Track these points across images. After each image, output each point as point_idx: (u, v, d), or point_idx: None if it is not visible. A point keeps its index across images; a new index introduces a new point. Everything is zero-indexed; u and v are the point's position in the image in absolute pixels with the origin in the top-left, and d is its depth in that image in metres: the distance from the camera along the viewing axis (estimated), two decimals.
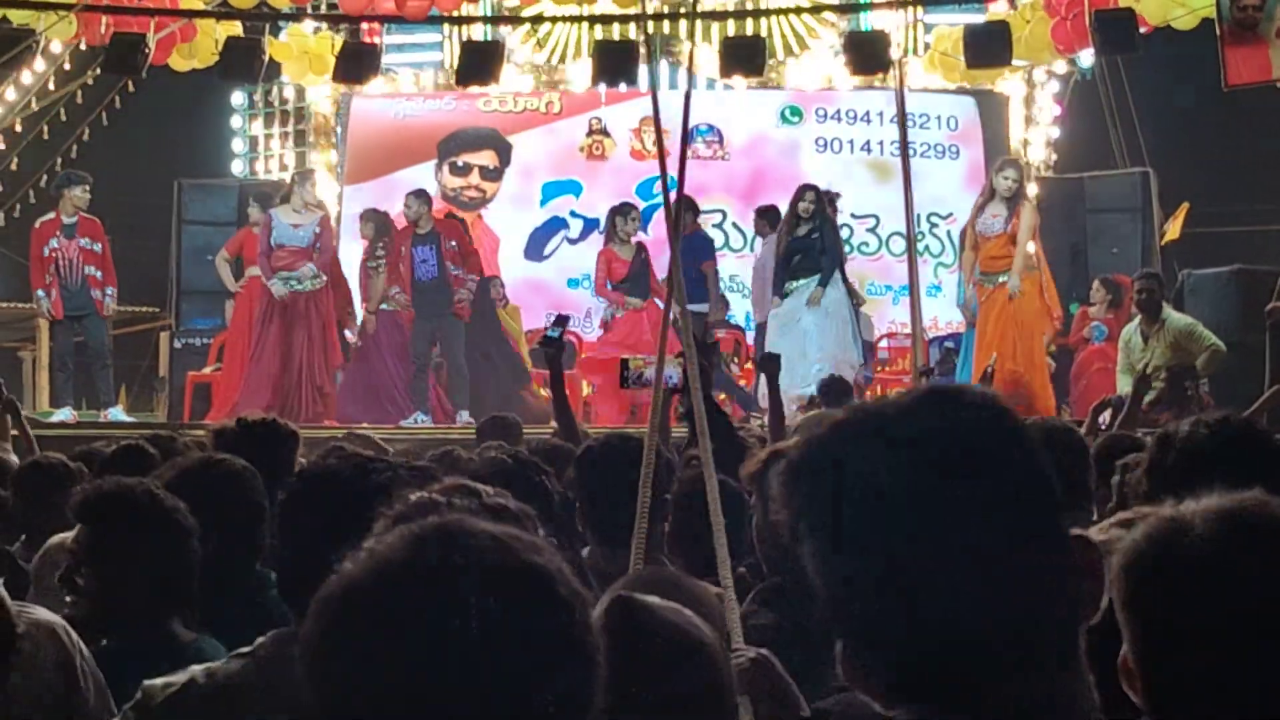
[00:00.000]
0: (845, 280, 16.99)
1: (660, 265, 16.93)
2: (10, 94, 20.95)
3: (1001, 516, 1.77)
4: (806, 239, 16.70)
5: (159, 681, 3.56)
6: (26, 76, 20.68)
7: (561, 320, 9.17)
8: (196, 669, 3.59)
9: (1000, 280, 16.20)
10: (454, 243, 17.33)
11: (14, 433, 9.68)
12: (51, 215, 17.07)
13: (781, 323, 16.62)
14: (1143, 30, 16.75)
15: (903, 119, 7.27)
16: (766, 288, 17.24)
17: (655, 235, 18.85)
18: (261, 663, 3.53)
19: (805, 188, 17.15)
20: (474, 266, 17.52)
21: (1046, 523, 1.81)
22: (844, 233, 18.63)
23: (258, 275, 17.23)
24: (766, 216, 18.06)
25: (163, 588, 4.35)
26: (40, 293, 16.78)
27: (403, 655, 1.75)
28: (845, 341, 16.89)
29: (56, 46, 19.43)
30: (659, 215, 18.73)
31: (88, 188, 17.08)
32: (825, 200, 17.02)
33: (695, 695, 2.76)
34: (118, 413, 17.00)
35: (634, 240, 17.60)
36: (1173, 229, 20.73)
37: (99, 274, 16.93)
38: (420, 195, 17.89)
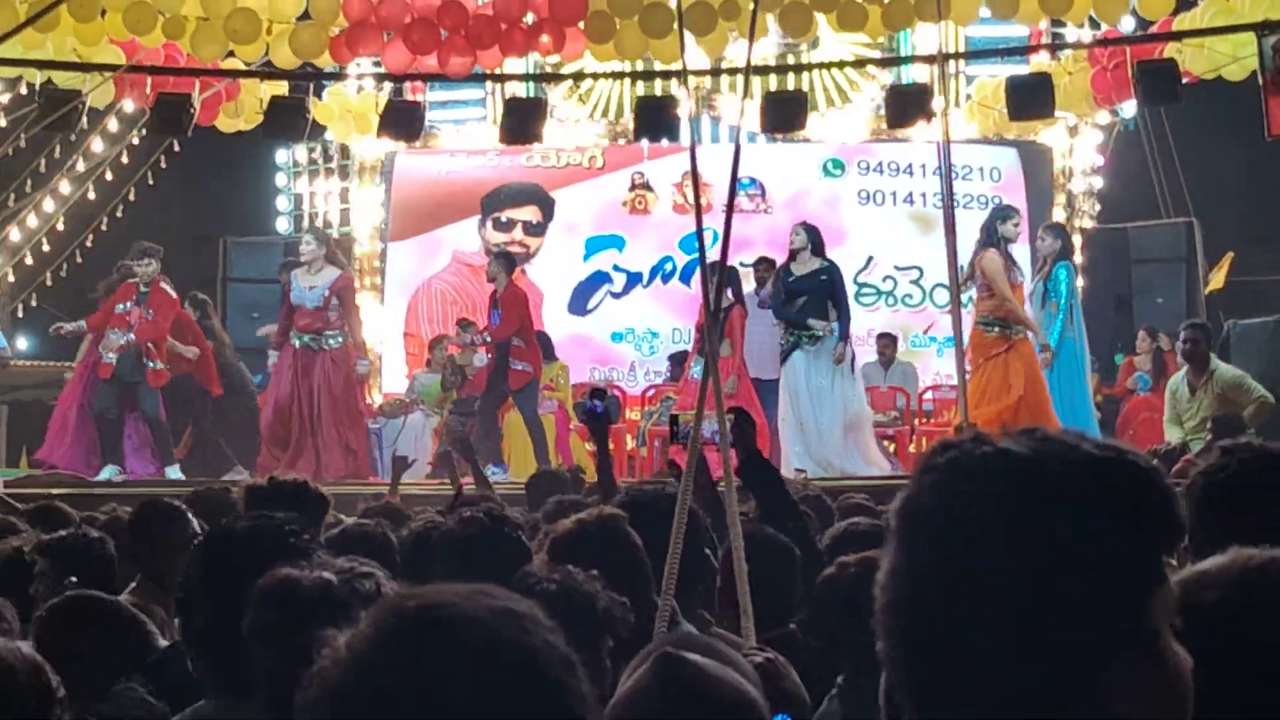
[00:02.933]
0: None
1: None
2: (56, 155, 21.08)
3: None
4: (812, 279, 16.63)
5: None
6: (72, 138, 20.80)
7: (599, 393, 9.09)
8: None
9: (1019, 330, 16.06)
10: (497, 312, 17.49)
11: None
12: (133, 280, 17.28)
13: (791, 388, 16.50)
14: (1185, 81, 16.73)
15: (948, 172, 7.28)
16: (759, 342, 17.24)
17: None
18: None
19: (798, 224, 17.21)
20: (496, 338, 17.56)
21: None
22: (887, 284, 18.61)
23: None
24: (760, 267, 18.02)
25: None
26: (108, 351, 16.92)
27: None
28: (861, 397, 16.93)
29: (102, 107, 19.54)
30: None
31: (151, 260, 17.20)
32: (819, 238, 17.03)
33: None
34: (174, 471, 17.04)
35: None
36: (1217, 278, 20.69)
37: (154, 346, 17.06)
38: (501, 259, 18.03)
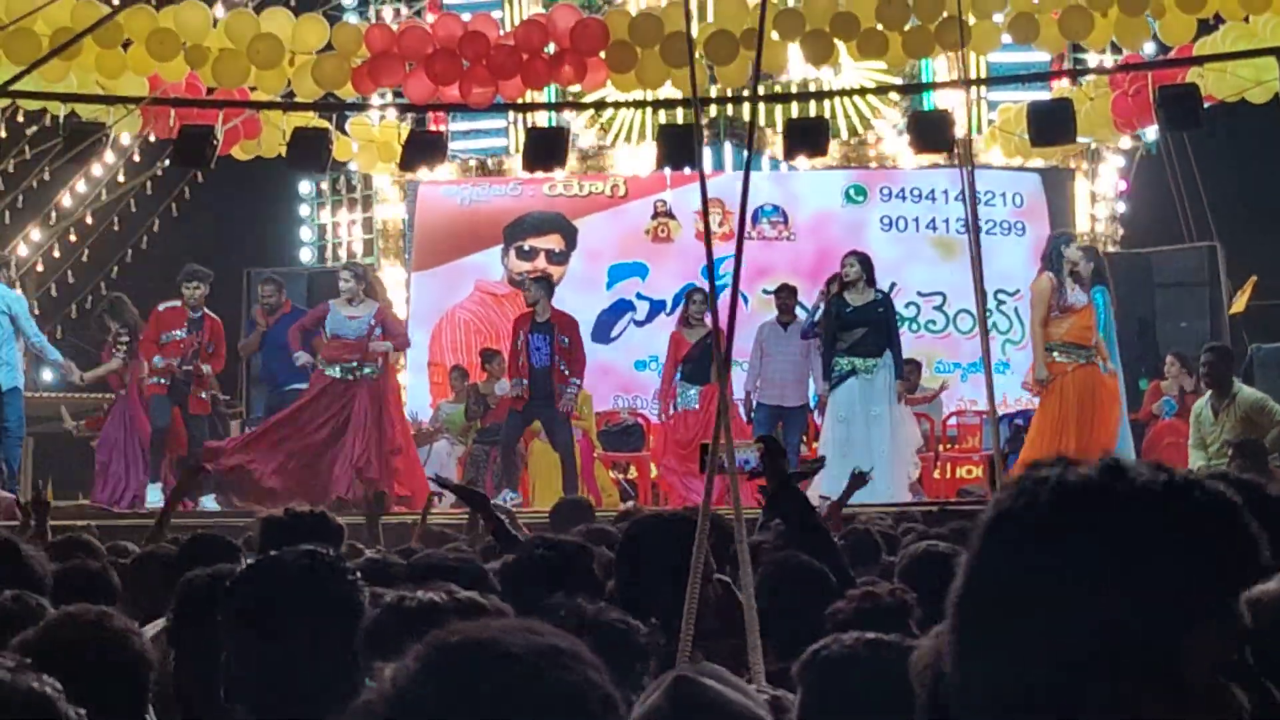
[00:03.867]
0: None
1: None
2: (81, 186, 21.18)
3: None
4: (870, 310, 16.53)
5: None
6: (96, 169, 20.89)
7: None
8: None
9: (1092, 355, 15.97)
10: (566, 339, 17.30)
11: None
12: (177, 303, 17.16)
13: (842, 414, 16.43)
14: (1206, 105, 16.71)
15: (972, 197, 7.28)
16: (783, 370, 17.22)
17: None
18: None
19: (849, 253, 17.06)
20: (577, 369, 17.37)
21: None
22: (910, 311, 18.60)
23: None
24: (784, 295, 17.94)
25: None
26: (151, 368, 16.93)
27: None
28: (913, 429, 16.87)
29: (126, 139, 19.62)
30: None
31: (197, 285, 17.20)
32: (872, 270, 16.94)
33: None
34: (209, 501, 17.00)
35: (707, 321, 17.54)
36: (1240, 302, 20.66)
37: (208, 373, 17.12)
38: (542, 281, 17.97)
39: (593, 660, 1.85)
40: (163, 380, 16.94)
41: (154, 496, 16.69)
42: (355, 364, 16.92)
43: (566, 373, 17.08)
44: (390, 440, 17.20)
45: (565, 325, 17.35)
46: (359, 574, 4.09)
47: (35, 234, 21.12)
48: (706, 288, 18.83)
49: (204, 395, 17.18)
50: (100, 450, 17.35)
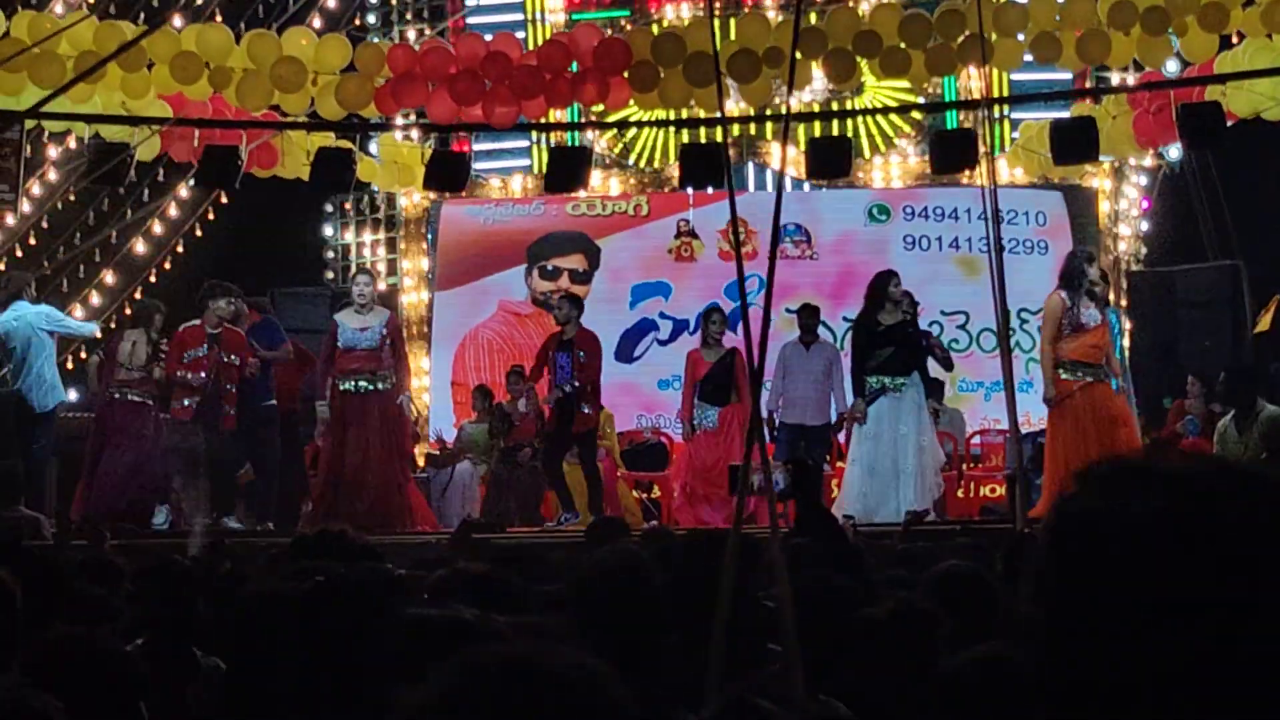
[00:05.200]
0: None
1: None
2: (104, 207, 21.26)
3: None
4: (900, 330, 16.47)
5: None
6: (120, 191, 20.95)
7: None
8: None
9: (1100, 374, 15.98)
10: (582, 353, 17.22)
11: None
12: (196, 322, 17.03)
13: (871, 431, 16.38)
14: (1229, 123, 16.68)
15: (995, 216, 7.29)
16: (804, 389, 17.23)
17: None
18: None
19: (893, 272, 16.95)
20: (583, 377, 17.26)
21: None
22: (933, 329, 18.58)
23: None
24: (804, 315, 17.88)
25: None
26: (184, 399, 16.85)
27: None
28: (936, 447, 16.84)
29: (150, 160, 19.69)
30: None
31: (232, 300, 17.11)
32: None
33: None
34: (232, 521, 16.96)
35: (725, 343, 17.52)
36: (1264, 321, 20.61)
37: (233, 389, 16.99)
38: (572, 300, 17.93)
39: (615, 677, 1.86)
40: (189, 403, 16.87)
41: (158, 520, 16.72)
42: (370, 375, 16.84)
43: (576, 385, 17.03)
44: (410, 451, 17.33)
45: (584, 341, 17.33)
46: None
47: (60, 254, 21.19)
48: (727, 307, 18.90)
49: (233, 412, 17.07)
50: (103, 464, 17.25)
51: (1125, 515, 1.78)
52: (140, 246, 22.19)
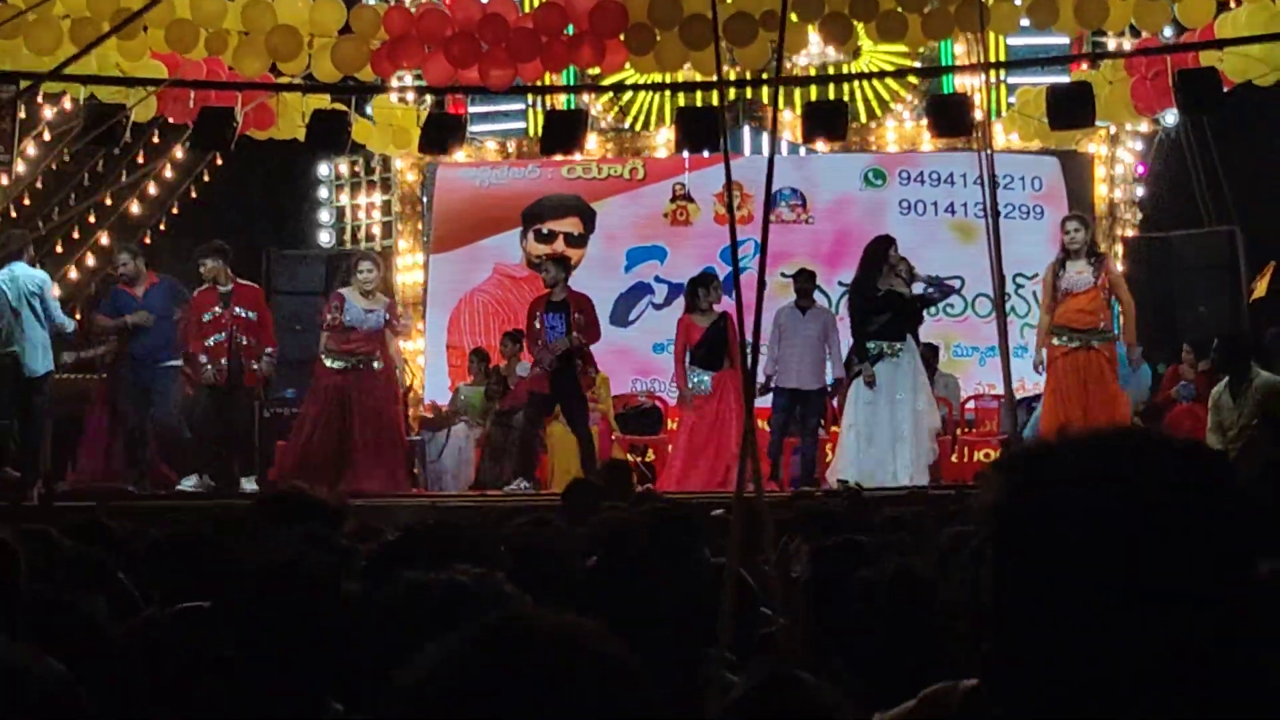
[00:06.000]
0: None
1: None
2: (99, 169, 21.23)
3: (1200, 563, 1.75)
4: (896, 295, 16.45)
5: None
6: (115, 153, 20.91)
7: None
8: None
9: (1090, 339, 16.04)
10: (579, 315, 17.15)
11: None
12: (206, 285, 17.00)
13: (867, 396, 16.38)
14: (1225, 89, 16.65)
15: (991, 181, 7.29)
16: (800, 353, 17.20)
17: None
18: None
19: (891, 239, 16.94)
20: (592, 336, 17.24)
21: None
22: (930, 291, 18.56)
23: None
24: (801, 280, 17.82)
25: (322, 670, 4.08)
26: (204, 358, 16.80)
27: None
28: (933, 412, 16.85)
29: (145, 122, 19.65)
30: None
31: (214, 260, 16.91)
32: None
33: None
34: (251, 484, 16.94)
35: (715, 309, 17.45)
36: (1260, 287, 20.61)
37: (254, 342, 16.93)
38: (560, 262, 17.90)
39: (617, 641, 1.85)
40: (221, 364, 16.79)
41: (187, 484, 16.68)
42: (366, 355, 16.86)
43: (584, 341, 17.05)
44: (400, 425, 17.34)
45: (579, 303, 17.31)
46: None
47: (54, 215, 21.16)
48: (722, 271, 18.88)
49: (254, 367, 17.03)
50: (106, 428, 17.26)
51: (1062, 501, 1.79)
52: (135, 208, 22.15)
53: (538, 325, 17.14)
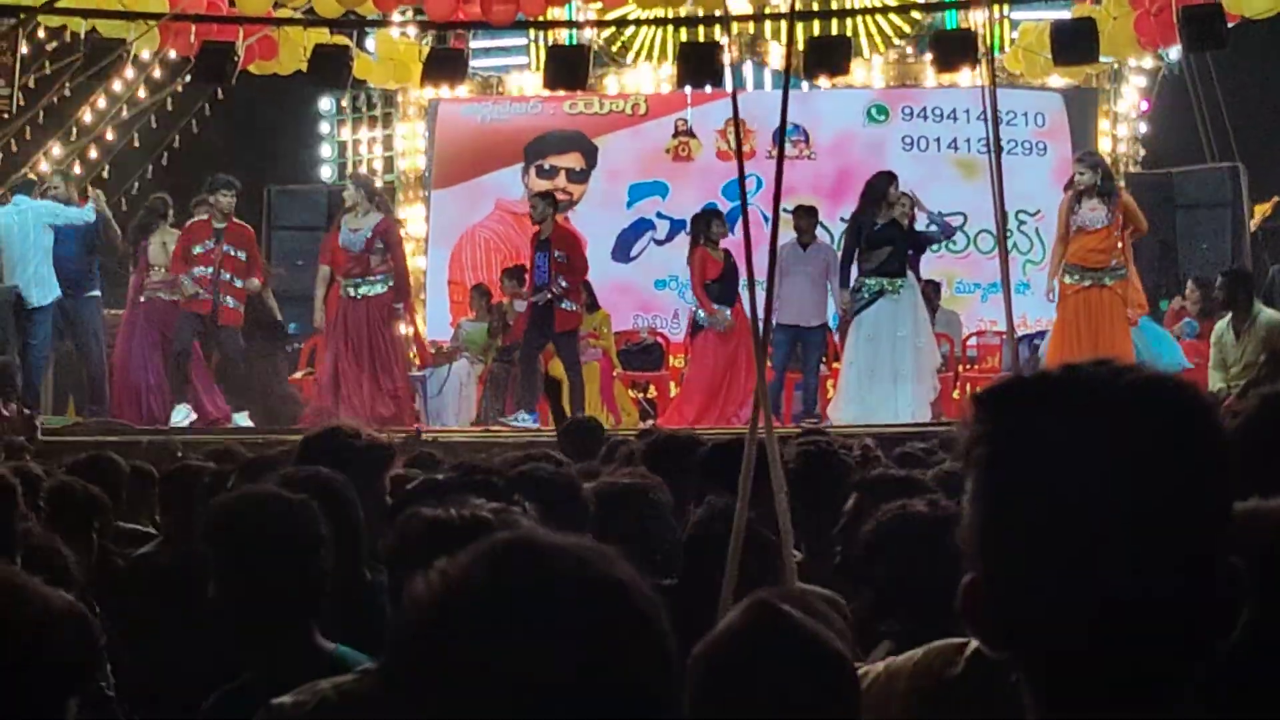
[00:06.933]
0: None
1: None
2: (101, 103, 21.14)
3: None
4: (894, 228, 16.40)
5: (288, 699, 3.47)
6: (117, 85, 20.86)
7: None
8: (325, 685, 3.49)
9: (1102, 278, 16.00)
10: (559, 253, 17.05)
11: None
12: (204, 217, 16.97)
13: (869, 333, 16.38)
14: (1230, 24, 16.59)
15: (994, 117, 7.27)
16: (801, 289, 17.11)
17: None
18: None
19: (893, 175, 16.88)
20: (574, 281, 17.16)
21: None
22: (932, 229, 18.54)
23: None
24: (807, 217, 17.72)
25: (301, 598, 4.12)
26: (185, 279, 16.78)
27: (497, 680, 1.69)
28: (934, 349, 16.86)
29: (146, 55, 19.59)
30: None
31: (232, 193, 17.00)
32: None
33: (825, 705, 2.76)
34: (242, 418, 16.96)
35: (722, 244, 17.39)
36: (1258, 217, 20.61)
37: (238, 282, 16.94)
38: (546, 197, 17.72)
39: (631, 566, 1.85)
40: (201, 293, 16.81)
41: (178, 416, 16.70)
42: (357, 280, 16.83)
43: (564, 285, 16.89)
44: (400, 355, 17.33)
45: (560, 240, 17.22)
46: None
47: (56, 150, 21.09)
48: (725, 207, 18.82)
49: (233, 304, 17.00)
50: (128, 366, 17.30)
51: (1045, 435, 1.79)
52: (136, 143, 22.08)
53: (527, 264, 17.13)
